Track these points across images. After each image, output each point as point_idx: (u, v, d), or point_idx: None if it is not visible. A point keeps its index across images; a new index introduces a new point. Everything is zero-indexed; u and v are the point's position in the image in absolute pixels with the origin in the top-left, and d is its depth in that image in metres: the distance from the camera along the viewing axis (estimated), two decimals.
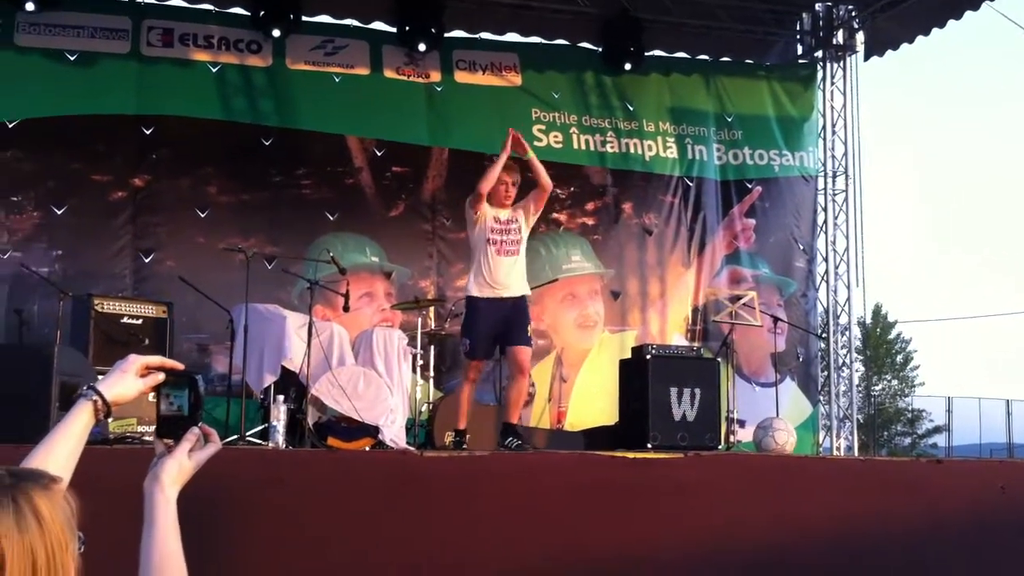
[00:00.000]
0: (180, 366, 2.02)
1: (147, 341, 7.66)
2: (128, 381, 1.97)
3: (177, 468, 1.90)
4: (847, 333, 12.42)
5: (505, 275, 6.82)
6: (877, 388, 39.87)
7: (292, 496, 4.15)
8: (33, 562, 1.43)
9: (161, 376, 1.98)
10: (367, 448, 7.50)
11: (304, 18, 10.72)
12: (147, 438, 6.01)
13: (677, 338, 11.41)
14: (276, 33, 10.57)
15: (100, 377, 2.04)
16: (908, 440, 39.15)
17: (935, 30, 11.39)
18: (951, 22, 11.16)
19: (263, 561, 3.81)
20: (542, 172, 6.88)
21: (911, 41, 11.78)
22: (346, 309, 8.13)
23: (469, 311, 6.86)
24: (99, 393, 1.94)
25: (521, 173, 6.99)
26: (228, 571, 3.38)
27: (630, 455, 5.09)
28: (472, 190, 6.88)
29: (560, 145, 11.46)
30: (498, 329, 6.80)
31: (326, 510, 4.18)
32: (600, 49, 11.81)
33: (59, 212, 9.81)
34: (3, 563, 1.42)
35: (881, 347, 41.37)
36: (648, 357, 7.83)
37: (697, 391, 7.91)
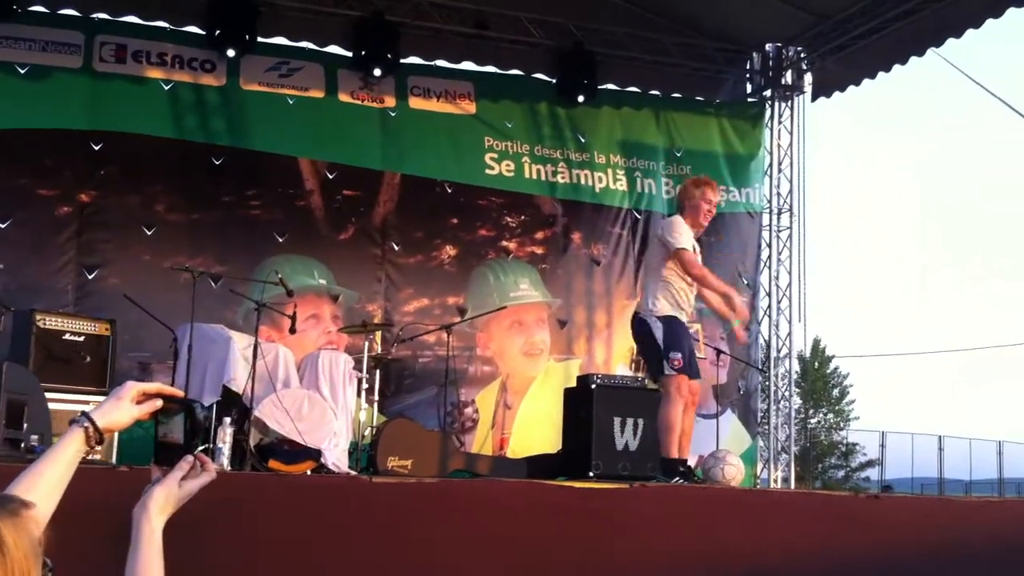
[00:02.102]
0: (179, 393, 2.00)
1: (89, 358, 7.53)
2: (124, 408, 1.94)
3: (164, 496, 1.88)
4: (787, 366, 12.58)
5: (688, 298, 6.85)
6: (813, 421, 40.33)
7: (245, 519, 4.14)
8: None
9: (159, 403, 1.96)
10: (308, 472, 7.47)
11: (259, 39, 10.64)
12: (92, 457, 5.92)
13: (622, 368, 11.48)
14: (231, 53, 10.49)
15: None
16: (841, 473, 39.61)
17: (881, 73, 11.67)
18: (896, 66, 11.45)
19: None
20: None
21: (858, 83, 12.03)
22: (292, 331, 8.12)
23: (670, 329, 6.71)
24: (91, 420, 1.91)
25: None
26: None
27: (577, 484, 5.13)
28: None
29: (512, 174, 11.53)
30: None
31: (278, 534, 4.17)
32: (554, 81, 11.90)
33: (3, 226, 9.67)
34: None
35: (818, 381, 41.90)
36: (593, 386, 7.86)
37: (640, 421, 7.95)
